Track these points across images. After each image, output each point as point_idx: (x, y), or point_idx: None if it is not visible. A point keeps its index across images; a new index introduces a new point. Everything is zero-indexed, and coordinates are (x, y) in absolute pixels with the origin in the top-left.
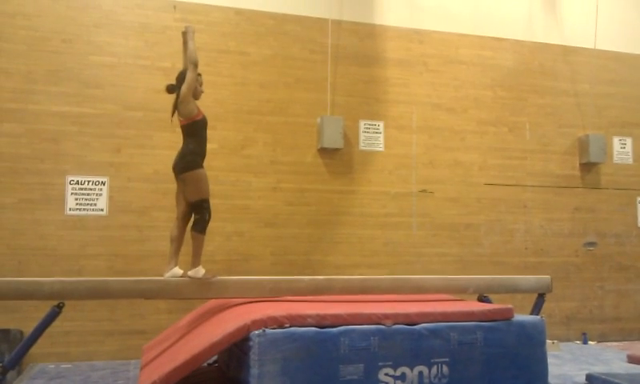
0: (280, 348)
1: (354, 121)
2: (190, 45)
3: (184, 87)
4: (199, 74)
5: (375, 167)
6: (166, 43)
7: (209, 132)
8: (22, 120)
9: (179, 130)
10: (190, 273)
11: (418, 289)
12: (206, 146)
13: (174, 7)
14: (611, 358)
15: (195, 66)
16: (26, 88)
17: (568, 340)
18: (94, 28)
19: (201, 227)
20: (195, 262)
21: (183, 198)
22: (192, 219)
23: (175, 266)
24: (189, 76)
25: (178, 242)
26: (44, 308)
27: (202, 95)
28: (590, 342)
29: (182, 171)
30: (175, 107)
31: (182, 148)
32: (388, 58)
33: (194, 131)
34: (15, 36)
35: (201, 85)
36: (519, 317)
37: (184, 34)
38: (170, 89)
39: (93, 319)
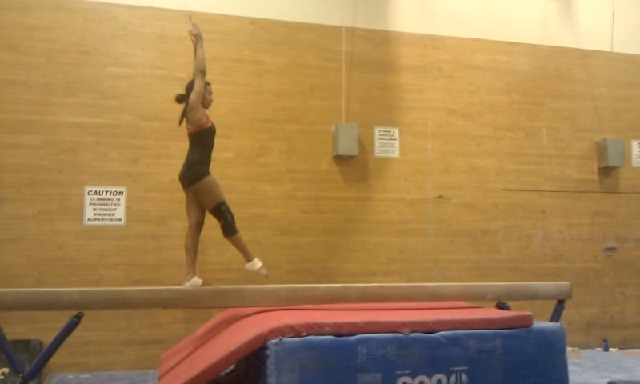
0: (297, 357)
1: (369, 128)
2: (199, 53)
3: (192, 95)
4: (208, 83)
5: (391, 174)
6: (181, 53)
7: (224, 141)
8: (41, 131)
9: None
10: (247, 266)
11: (436, 296)
12: (211, 153)
13: (190, 18)
14: (633, 365)
15: (203, 74)
16: (44, 100)
17: (589, 347)
18: (111, 40)
19: (230, 229)
20: (247, 256)
21: (196, 207)
22: (201, 225)
23: (194, 275)
24: (197, 84)
25: (193, 251)
26: (63, 318)
27: (216, 104)
28: (611, 349)
29: (191, 183)
30: (183, 115)
31: (187, 158)
32: (402, 64)
33: (202, 139)
34: (34, 49)
35: (210, 93)
36: (538, 324)
37: (193, 35)
38: (180, 98)
39: (111, 329)
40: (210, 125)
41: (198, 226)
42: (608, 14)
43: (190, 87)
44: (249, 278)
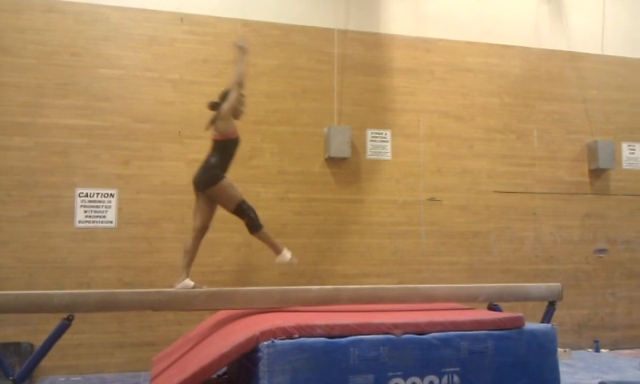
0: (289, 359)
1: (361, 130)
2: (240, 66)
3: (226, 104)
4: (243, 95)
5: (383, 176)
6: (173, 55)
7: None
8: (32, 133)
9: (187, 142)
10: (278, 259)
11: (428, 298)
12: (230, 163)
13: (182, 19)
14: (624, 365)
15: (240, 86)
16: (35, 101)
17: (580, 348)
18: (103, 41)
19: (255, 226)
20: (276, 249)
21: (204, 212)
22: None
23: (186, 277)
24: (232, 95)
25: (191, 254)
26: (54, 321)
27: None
28: (602, 350)
29: (207, 187)
30: (212, 121)
31: (206, 161)
32: (395, 66)
33: (224, 148)
34: (25, 50)
35: (242, 105)
36: (530, 325)
37: (239, 48)
38: (212, 106)
39: (102, 331)
40: (235, 136)
41: (202, 230)
42: (599, 17)
43: (224, 96)
44: (241, 280)
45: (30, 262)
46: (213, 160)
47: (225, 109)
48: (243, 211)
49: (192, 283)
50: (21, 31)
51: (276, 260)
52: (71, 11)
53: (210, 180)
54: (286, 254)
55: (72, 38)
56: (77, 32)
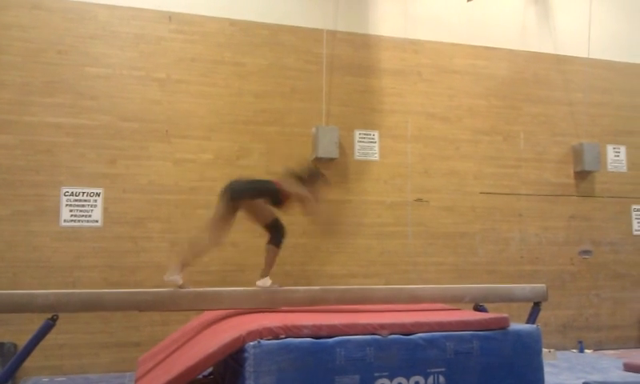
0: (275, 359)
1: (349, 130)
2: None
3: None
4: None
5: (370, 177)
6: (161, 54)
7: (204, 142)
8: (17, 131)
9: (174, 141)
10: (259, 283)
11: (414, 298)
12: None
13: (169, 18)
14: (608, 366)
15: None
16: (21, 99)
17: (564, 348)
18: (90, 39)
19: (277, 241)
20: (265, 272)
21: (226, 224)
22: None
23: (179, 274)
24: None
25: (198, 256)
26: (38, 321)
27: (195, 105)
28: (586, 351)
29: (252, 197)
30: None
31: (247, 179)
32: (383, 67)
33: (279, 198)
34: (11, 47)
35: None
36: (515, 326)
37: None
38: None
39: (87, 331)
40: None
41: (219, 243)
42: (585, 20)
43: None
44: (227, 281)
45: (14, 261)
46: (256, 178)
47: (297, 191)
48: (277, 226)
49: (181, 282)
50: (7, 28)
51: (257, 282)
52: (58, 8)
53: (257, 190)
54: (268, 281)
55: (59, 35)
56: (64, 30)
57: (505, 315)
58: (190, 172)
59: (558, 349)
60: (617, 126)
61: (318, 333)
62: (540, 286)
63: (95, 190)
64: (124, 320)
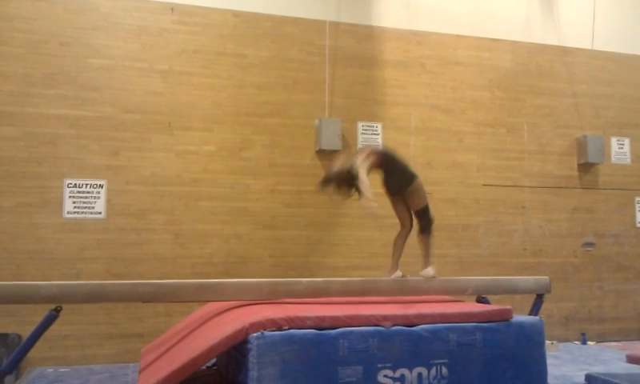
0: (279, 350)
1: (352, 122)
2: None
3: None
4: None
5: None
6: (163, 45)
7: (206, 134)
8: (20, 123)
9: (177, 133)
10: (422, 273)
11: (417, 290)
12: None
13: (172, 10)
14: (610, 358)
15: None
16: (23, 91)
17: (567, 340)
18: (92, 31)
19: (427, 231)
20: (426, 262)
21: (407, 213)
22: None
23: (396, 270)
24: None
25: (399, 250)
26: (42, 312)
27: (198, 97)
28: (589, 343)
29: (405, 188)
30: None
31: (393, 172)
32: (386, 59)
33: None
34: (13, 39)
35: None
36: (518, 317)
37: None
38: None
39: (91, 323)
40: None
41: (408, 228)
42: (589, 11)
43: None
44: (230, 272)
45: (17, 253)
46: (400, 166)
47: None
48: (426, 214)
49: (401, 274)
50: (9, 19)
51: (420, 272)
52: (60, 0)
53: (410, 180)
54: (430, 271)
55: (61, 27)
56: (65, 21)
57: (508, 307)
58: (192, 164)
59: (560, 341)
60: (621, 118)
61: (320, 324)
62: (543, 278)
63: (98, 182)
64: (127, 311)
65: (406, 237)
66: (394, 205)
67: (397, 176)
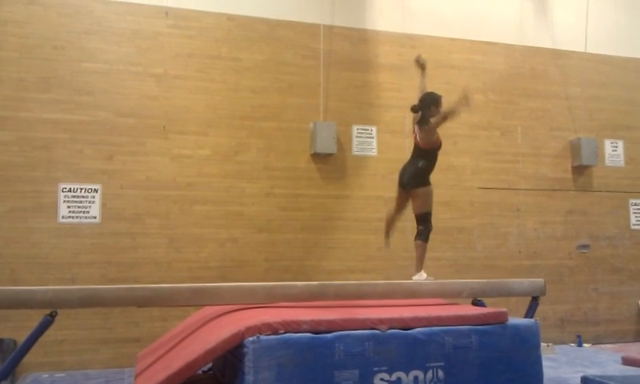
0: (274, 354)
1: (347, 126)
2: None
3: (434, 120)
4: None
5: (368, 172)
6: (157, 49)
7: (201, 138)
8: (14, 128)
9: (171, 137)
10: (414, 277)
11: (413, 293)
12: (434, 167)
13: (166, 13)
14: (606, 360)
15: (451, 114)
16: (17, 95)
17: (562, 343)
18: (86, 35)
19: (425, 237)
20: (419, 267)
21: (401, 202)
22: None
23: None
24: (439, 117)
25: (393, 222)
26: (37, 317)
27: (193, 101)
28: (584, 345)
29: (414, 188)
30: (418, 122)
31: (415, 165)
32: (380, 62)
33: (431, 154)
34: (6, 43)
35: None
36: (513, 320)
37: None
38: (415, 109)
39: (86, 327)
40: (439, 143)
41: (402, 209)
42: (582, 14)
43: (424, 101)
44: (226, 276)
45: (12, 258)
46: (423, 165)
47: (432, 124)
48: (427, 220)
49: (425, 275)
50: (2, 24)
51: (413, 277)
52: (54, 4)
53: (421, 182)
54: (423, 274)
55: (54, 31)
56: (59, 25)
57: (503, 310)
58: (187, 168)
59: (556, 343)
60: (614, 120)
61: (316, 328)
62: (538, 281)
63: (93, 186)
64: (123, 316)
65: (398, 213)
66: (399, 196)
67: (414, 170)
